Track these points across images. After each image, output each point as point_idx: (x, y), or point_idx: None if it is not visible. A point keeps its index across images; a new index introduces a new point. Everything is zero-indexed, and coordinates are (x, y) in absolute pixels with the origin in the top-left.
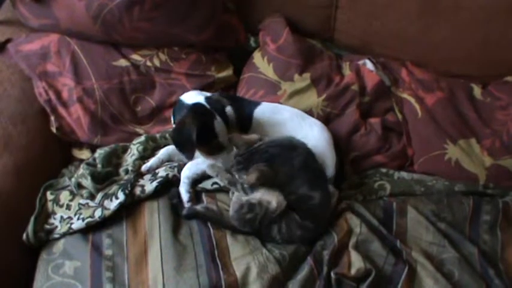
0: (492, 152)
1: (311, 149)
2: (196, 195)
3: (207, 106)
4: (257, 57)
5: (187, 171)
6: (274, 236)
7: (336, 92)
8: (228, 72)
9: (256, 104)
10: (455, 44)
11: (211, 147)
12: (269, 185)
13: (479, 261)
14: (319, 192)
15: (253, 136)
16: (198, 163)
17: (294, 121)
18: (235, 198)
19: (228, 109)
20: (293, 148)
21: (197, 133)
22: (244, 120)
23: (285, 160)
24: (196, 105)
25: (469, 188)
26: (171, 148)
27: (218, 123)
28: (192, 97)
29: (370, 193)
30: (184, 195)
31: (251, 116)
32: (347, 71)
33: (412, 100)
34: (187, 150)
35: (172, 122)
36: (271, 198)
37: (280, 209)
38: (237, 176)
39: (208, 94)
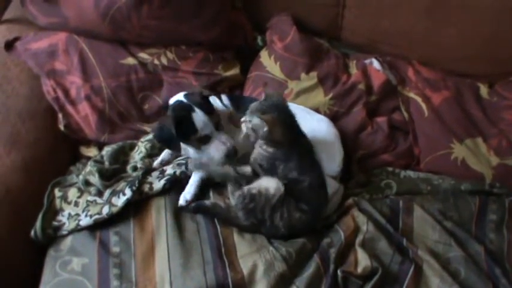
0: (498, 152)
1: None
2: (204, 189)
3: (185, 101)
4: (264, 56)
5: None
6: (277, 223)
7: (342, 90)
8: (235, 71)
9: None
10: (463, 43)
11: (197, 140)
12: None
13: (486, 260)
14: (308, 177)
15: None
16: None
17: (300, 115)
18: (238, 192)
19: (217, 99)
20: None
21: (176, 128)
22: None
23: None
24: (175, 103)
25: (475, 187)
26: None
27: (197, 115)
28: (175, 97)
29: (376, 192)
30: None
31: None
32: (354, 69)
33: (419, 99)
34: (171, 146)
35: None
36: (269, 185)
37: (278, 195)
38: (249, 117)
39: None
